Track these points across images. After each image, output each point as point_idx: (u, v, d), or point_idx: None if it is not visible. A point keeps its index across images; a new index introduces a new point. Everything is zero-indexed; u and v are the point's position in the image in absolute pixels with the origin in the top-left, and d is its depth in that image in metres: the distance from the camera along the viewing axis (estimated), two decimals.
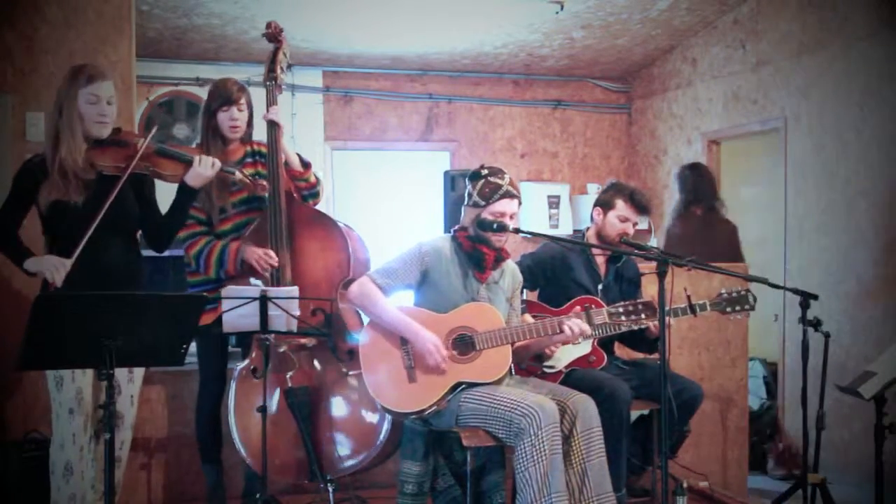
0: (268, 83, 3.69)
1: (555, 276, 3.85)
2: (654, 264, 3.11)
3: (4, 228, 3.12)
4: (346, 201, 7.20)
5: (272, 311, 3.23)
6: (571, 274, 3.83)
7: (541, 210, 7.32)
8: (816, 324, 3.47)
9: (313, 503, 3.64)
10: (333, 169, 7.22)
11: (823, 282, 5.35)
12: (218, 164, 3.29)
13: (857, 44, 5.27)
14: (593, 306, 3.46)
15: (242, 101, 3.63)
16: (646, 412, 3.87)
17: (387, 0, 5.86)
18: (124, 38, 4.28)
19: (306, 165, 3.72)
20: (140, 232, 3.36)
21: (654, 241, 6.04)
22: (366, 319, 3.34)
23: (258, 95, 3.72)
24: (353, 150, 7.36)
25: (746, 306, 3.57)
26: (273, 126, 3.61)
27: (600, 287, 3.85)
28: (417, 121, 7.46)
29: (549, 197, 7.38)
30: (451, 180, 5.31)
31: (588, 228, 4.01)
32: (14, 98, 4.11)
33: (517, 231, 3.26)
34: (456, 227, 3.37)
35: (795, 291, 3.46)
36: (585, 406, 3.14)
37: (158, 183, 3.33)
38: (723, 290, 3.60)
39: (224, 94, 3.61)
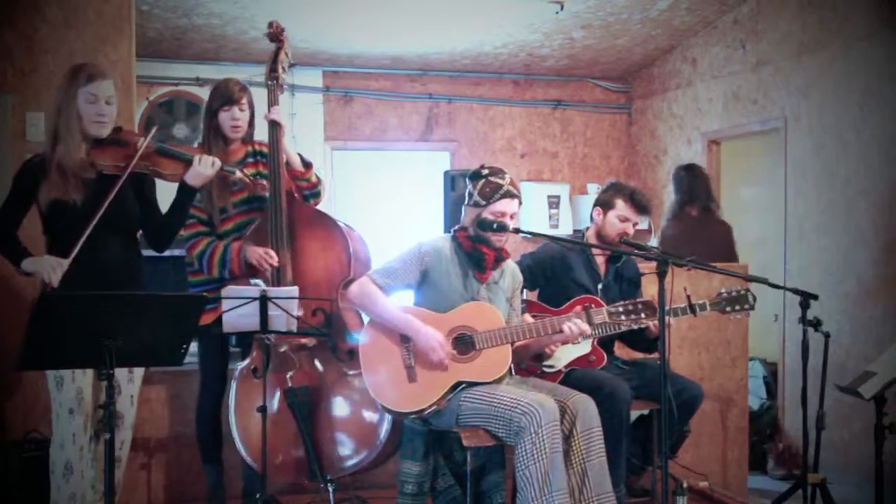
0: (269, 83, 3.69)
1: (554, 275, 3.85)
2: (654, 264, 3.11)
3: (3, 228, 3.11)
4: (346, 201, 7.20)
5: (272, 311, 3.23)
6: (571, 274, 3.83)
7: (541, 210, 7.32)
8: (816, 324, 3.47)
9: (313, 503, 3.64)
10: (333, 169, 7.22)
11: (823, 282, 5.35)
12: (218, 163, 3.29)
13: (857, 44, 5.27)
14: (593, 306, 3.46)
15: (244, 100, 3.63)
16: (646, 412, 3.87)
17: (387, 0, 5.86)
18: (124, 38, 4.28)
19: (307, 165, 3.72)
20: (140, 231, 3.36)
21: (654, 241, 6.04)
22: (366, 319, 3.34)
23: (259, 95, 3.73)
24: (353, 150, 7.36)
25: (746, 306, 3.56)
26: (274, 126, 3.61)
27: (600, 287, 3.85)
28: (417, 121, 7.46)
29: (549, 197, 7.38)
30: (451, 180, 5.32)
31: (588, 228, 4.01)
32: (14, 98, 4.12)
33: (517, 231, 3.26)
34: (456, 227, 3.37)
35: (795, 291, 3.46)
36: (585, 406, 3.14)
37: (159, 183, 3.33)
38: (722, 290, 3.60)
39: (225, 94, 3.61)
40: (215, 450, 3.73)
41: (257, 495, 3.34)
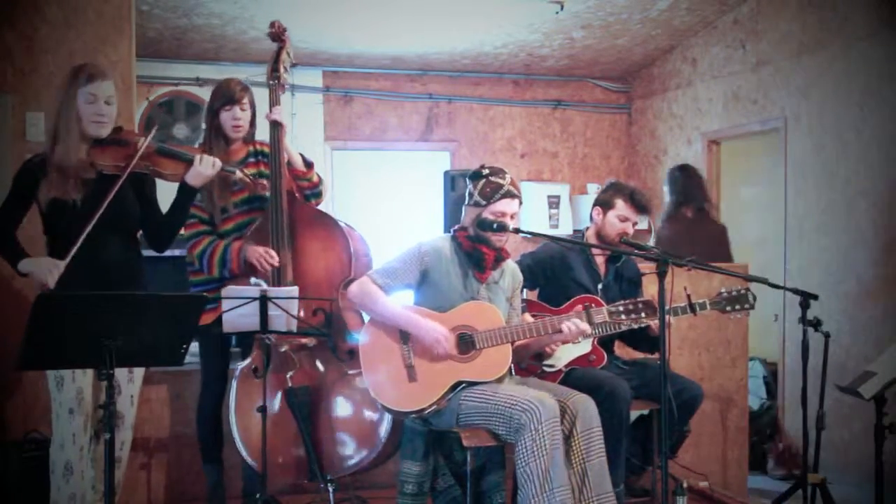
0: (271, 83, 3.69)
1: (554, 275, 3.85)
2: (653, 264, 3.11)
3: (2, 228, 3.11)
4: (346, 201, 7.20)
5: (272, 311, 3.23)
6: (571, 273, 3.83)
7: (541, 210, 7.32)
8: (816, 324, 3.47)
9: (313, 503, 3.64)
10: (333, 169, 7.22)
11: (823, 282, 5.35)
12: (219, 163, 3.29)
13: (857, 44, 5.27)
14: (593, 305, 3.46)
15: (245, 100, 3.63)
16: (646, 412, 3.87)
17: (387, 0, 5.86)
18: (124, 38, 4.28)
19: (309, 165, 3.72)
20: (140, 231, 3.36)
21: (653, 241, 6.04)
22: (366, 319, 3.34)
23: (260, 95, 3.73)
24: (353, 150, 7.36)
25: (746, 305, 3.56)
26: (276, 126, 3.61)
27: (600, 287, 3.85)
28: (417, 121, 7.46)
29: (549, 197, 7.38)
30: (451, 180, 5.31)
31: (588, 228, 4.01)
32: (14, 98, 4.11)
33: (517, 231, 3.26)
34: (456, 227, 3.37)
35: (795, 291, 3.46)
36: (585, 406, 3.14)
37: (160, 182, 3.33)
38: (723, 290, 3.60)
39: (227, 94, 3.61)
40: (216, 450, 3.73)
41: (257, 495, 3.33)
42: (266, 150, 3.68)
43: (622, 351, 4.05)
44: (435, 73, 7.45)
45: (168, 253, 3.51)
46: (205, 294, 3.38)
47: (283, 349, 3.51)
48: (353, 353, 3.45)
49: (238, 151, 3.69)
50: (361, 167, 7.38)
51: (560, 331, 3.22)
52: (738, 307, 3.56)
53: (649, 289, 4.01)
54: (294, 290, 3.33)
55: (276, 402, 3.54)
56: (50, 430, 3.19)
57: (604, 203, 3.89)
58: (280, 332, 3.30)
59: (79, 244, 2.97)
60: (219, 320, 3.27)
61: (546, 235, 3.74)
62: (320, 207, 3.82)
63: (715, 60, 6.62)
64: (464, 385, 3.16)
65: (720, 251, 5.11)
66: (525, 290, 3.76)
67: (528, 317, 3.49)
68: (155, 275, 3.92)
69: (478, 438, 3.10)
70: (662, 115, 7.36)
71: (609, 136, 7.90)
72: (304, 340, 3.54)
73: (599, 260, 3.91)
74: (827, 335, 3.55)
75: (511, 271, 3.44)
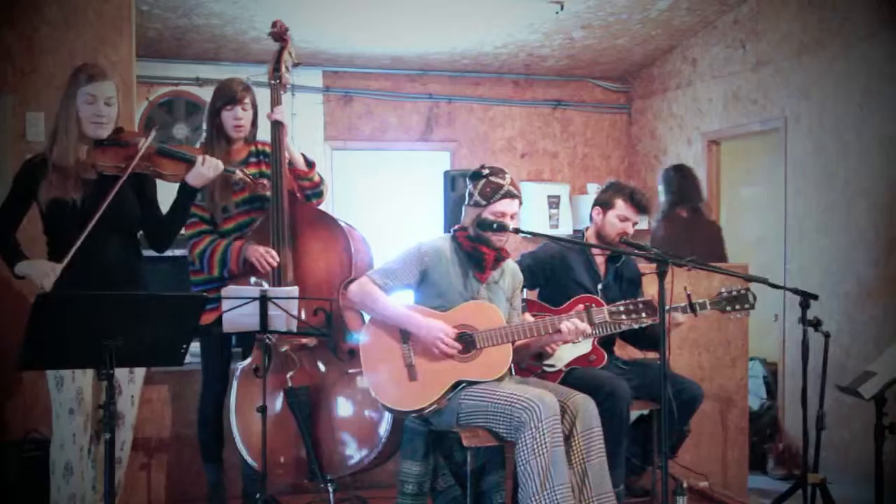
0: (272, 82, 3.69)
1: (554, 275, 3.85)
2: (654, 264, 3.11)
3: (1, 229, 3.11)
4: (346, 201, 7.19)
5: (272, 310, 3.23)
6: (571, 274, 3.83)
7: (541, 210, 7.32)
8: (816, 324, 3.47)
9: (313, 503, 3.64)
10: (333, 169, 7.22)
11: (823, 282, 5.35)
12: (221, 166, 3.29)
13: (857, 44, 5.27)
14: (594, 305, 3.45)
15: (247, 100, 3.63)
16: (646, 412, 3.87)
17: (387, 0, 5.86)
18: (124, 38, 4.28)
19: (310, 165, 3.72)
20: (141, 232, 3.36)
21: (648, 241, 6.04)
22: (367, 319, 3.34)
23: (260, 95, 3.72)
24: (353, 150, 7.36)
25: (746, 305, 3.56)
26: (277, 126, 3.61)
27: (600, 287, 3.85)
28: (417, 121, 7.46)
29: (549, 197, 7.38)
30: (451, 180, 5.31)
31: (588, 228, 4.01)
32: (14, 98, 4.11)
33: (517, 231, 3.25)
34: (456, 227, 3.37)
35: (795, 291, 3.46)
36: (585, 406, 3.14)
37: (160, 183, 3.33)
38: (723, 290, 3.60)
39: (228, 93, 3.61)
40: (216, 449, 3.73)
41: (257, 495, 3.33)
42: (267, 150, 3.68)
43: (622, 351, 4.05)
44: (435, 73, 7.45)
45: (168, 253, 3.51)
46: (205, 294, 3.39)
47: (283, 349, 3.51)
48: (353, 353, 3.45)
49: (239, 151, 3.69)
50: (361, 167, 7.38)
51: (560, 331, 3.21)
52: (738, 307, 3.57)
53: (649, 289, 4.01)
54: (294, 290, 3.33)
55: (276, 402, 3.54)
56: (50, 430, 3.19)
57: (604, 203, 3.89)
58: (280, 332, 3.30)
59: (78, 244, 2.97)
60: (219, 320, 3.26)
61: (546, 235, 3.74)
62: (320, 207, 3.82)
63: (715, 60, 6.62)
64: (464, 384, 3.16)
65: (715, 251, 5.11)
66: (525, 290, 3.76)
67: (528, 316, 3.49)
68: (155, 275, 3.93)
69: (478, 438, 3.10)
70: (662, 115, 7.36)
71: (609, 136, 7.90)
72: (304, 340, 3.54)
73: (599, 260, 3.91)
74: (827, 335, 3.54)
75: (511, 271, 3.44)
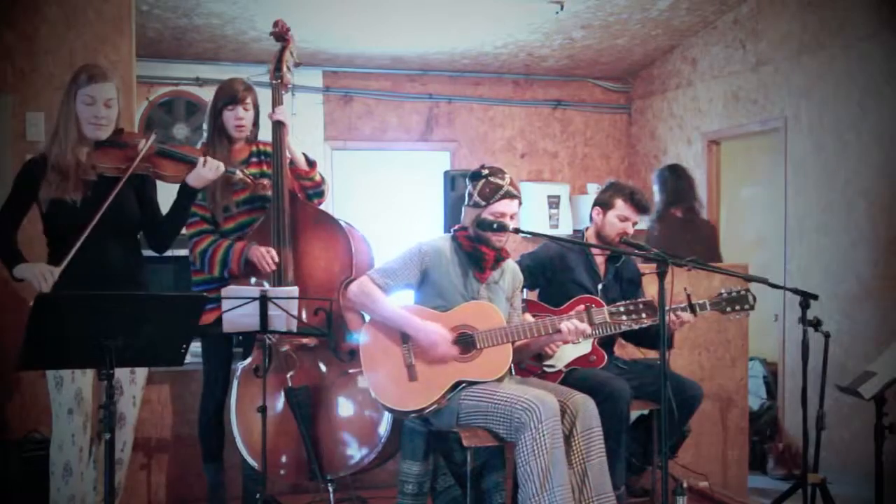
0: (273, 82, 3.69)
1: (554, 276, 3.85)
2: (653, 264, 3.11)
3: (1, 229, 3.11)
4: (346, 201, 7.19)
5: (272, 310, 3.23)
6: (571, 274, 3.83)
7: (541, 210, 7.31)
8: (816, 324, 3.47)
9: (313, 503, 3.64)
10: (333, 169, 7.22)
11: (823, 282, 5.35)
12: (222, 167, 3.29)
13: (857, 44, 5.27)
14: (594, 306, 3.46)
15: (248, 100, 3.63)
16: (646, 412, 3.87)
17: (387, 0, 5.86)
18: (124, 38, 4.28)
19: (312, 164, 3.72)
20: (141, 232, 3.36)
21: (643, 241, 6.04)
22: (367, 319, 3.34)
23: (262, 95, 3.72)
24: (353, 150, 7.36)
25: (746, 306, 3.56)
26: (278, 126, 3.61)
27: (600, 287, 3.85)
28: (417, 121, 7.46)
29: (549, 197, 7.38)
30: (451, 180, 5.31)
31: (588, 228, 4.01)
32: (14, 98, 4.12)
33: (517, 231, 3.26)
34: (456, 227, 3.37)
35: (795, 291, 3.46)
36: (585, 406, 3.14)
37: (160, 184, 3.33)
38: (722, 290, 3.60)
39: (230, 93, 3.61)
40: (216, 449, 3.73)
41: (257, 495, 3.33)
42: (269, 150, 3.68)
43: (622, 351, 4.05)
44: (435, 73, 7.45)
45: (168, 253, 3.51)
46: (205, 294, 3.39)
47: (283, 349, 3.52)
48: (353, 354, 3.45)
49: (241, 151, 3.69)
50: (361, 167, 7.38)
51: (560, 331, 3.21)
52: (738, 308, 3.57)
53: (649, 289, 4.01)
54: (294, 290, 3.33)
55: (276, 402, 3.54)
56: (50, 430, 3.19)
57: (603, 203, 3.89)
58: (280, 332, 3.30)
59: (78, 245, 2.97)
60: (219, 320, 3.26)
61: (546, 235, 3.74)
62: (320, 207, 3.82)
63: (715, 60, 6.62)
64: (464, 385, 3.16)
65: (710, 251, 5.11)
66: (525, 290, 3.76)
67: (528, 317, 3.49)
68: (155, 275, 3.93)
69: (478, 438, 3.10)
70: (662, 115, 7.36)
71: (609, 136, 7.89)
72: (304, 340, 3.54)
73: (599, 260, 3.91)
74: (827, 335, 3.55)
75: (511, 271, 3.44)
